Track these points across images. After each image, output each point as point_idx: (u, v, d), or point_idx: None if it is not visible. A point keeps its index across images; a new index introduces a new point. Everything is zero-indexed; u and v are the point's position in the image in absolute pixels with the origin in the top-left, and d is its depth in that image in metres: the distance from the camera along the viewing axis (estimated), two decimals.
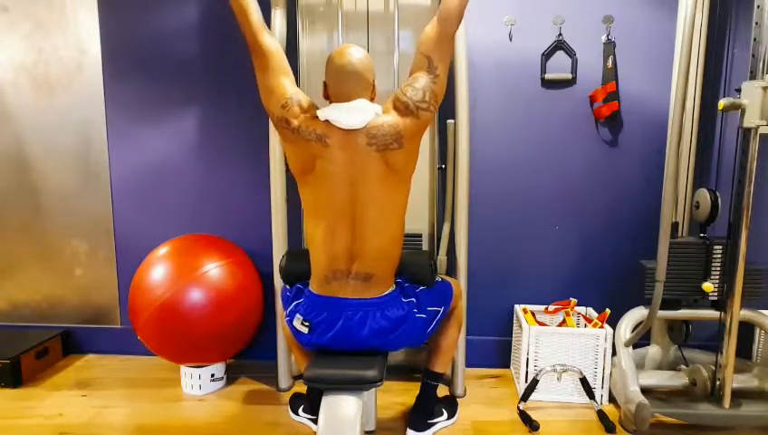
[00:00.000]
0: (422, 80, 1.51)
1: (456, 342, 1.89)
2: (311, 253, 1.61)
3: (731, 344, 1.88)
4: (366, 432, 1.81)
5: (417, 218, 2.28)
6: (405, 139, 1.49)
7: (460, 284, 2.07)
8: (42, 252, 2.57)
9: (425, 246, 2.29)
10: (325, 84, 1.60)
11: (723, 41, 2.21)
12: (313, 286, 1.62)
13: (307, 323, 1.58)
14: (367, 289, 1.57)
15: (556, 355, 2.13)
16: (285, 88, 1.54)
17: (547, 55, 2.27)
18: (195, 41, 2.38)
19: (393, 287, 1.63)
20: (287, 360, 2.22)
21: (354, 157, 1.49)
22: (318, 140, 1.48)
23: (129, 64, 2.41)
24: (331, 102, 1.56)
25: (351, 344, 1.57)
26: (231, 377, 2.34)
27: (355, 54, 1.54)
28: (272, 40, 1.56)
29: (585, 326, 2.20)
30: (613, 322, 2.11)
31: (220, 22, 2.35)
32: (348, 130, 1.48)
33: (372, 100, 1.58)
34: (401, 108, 1.50)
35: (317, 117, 1.50)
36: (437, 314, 1.74)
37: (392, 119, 1.49)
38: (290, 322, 1.66)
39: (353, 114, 1.48)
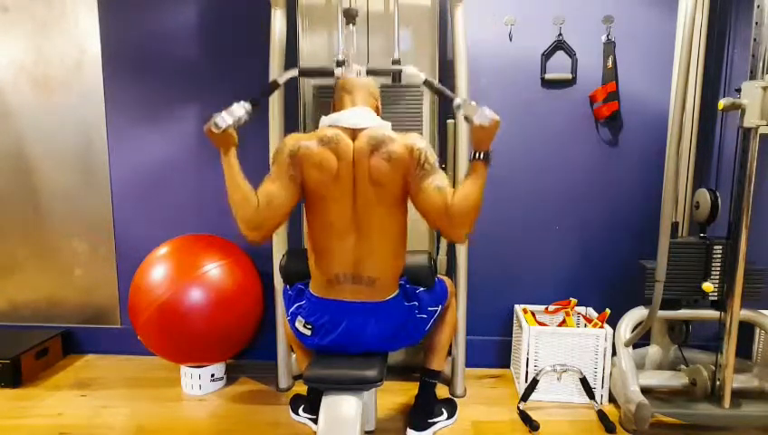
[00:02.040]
0: (441, 179, 1.48)
1: (450, 339, 1.90)
2: (313, 256, 1.60)
3: (731, 344, 1.88)
4: (366, 432, 1.81)
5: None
6: (392, 154, 1.48)
7: (455, 283, 2.07)
8: (42, 252, 2.57)
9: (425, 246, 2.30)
10: (333, 105, 1.65)
11: (723, 41, 2.21)
12: (315, 289, 1.61)
13: (309, 326, 1.58)
14: (371, 294, 1.56)
15: (556, 355, 2.13)
16: (282, 157, 1.52)
17: (547, 55, 2.27)
18: (195, 41, 2.38)
19: (397, 292, 1.62)
20: (287, 360, 2.22)
21: (356, 150, 1.50)
22: (335, 139, 1.50)
23: (129, 64, 2.41)
24: None
25: (353, 347, 1.58)
26: (231, 377, 2.34)
27: (362, 77, 1.66)
28: (263, 198, 1.49)
29: (585, 326, 2.20)
30: (613, 322, 2.11)
31: (220, 22, 2.35)
32: (352, 129, 1.50)
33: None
34: (404, 138, 1.50)
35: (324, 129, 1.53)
36: (436, 314, 1.75)
37: (391, 135, 1.50)
38: (291, 322, 1.66)
39: (356, 116, 1.53)
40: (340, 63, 1.95)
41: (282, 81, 1.61)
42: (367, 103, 1.61)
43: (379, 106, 1.67)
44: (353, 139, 1.51)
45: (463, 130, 2.06)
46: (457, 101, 1.47)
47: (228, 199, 1.47)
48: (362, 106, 1.58)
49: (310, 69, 1.91)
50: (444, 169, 2.22)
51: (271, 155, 1.58)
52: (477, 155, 1.43)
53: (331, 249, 1.55)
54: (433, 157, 1.50)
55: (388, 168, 1.48)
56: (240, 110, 1.48)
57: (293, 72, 1.64)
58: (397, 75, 2.11)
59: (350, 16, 1.87)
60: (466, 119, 1.44)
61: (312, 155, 1.49)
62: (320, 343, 1.58)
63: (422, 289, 1.72)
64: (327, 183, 1.51)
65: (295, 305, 1.66)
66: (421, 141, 1.51)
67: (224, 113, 1.45)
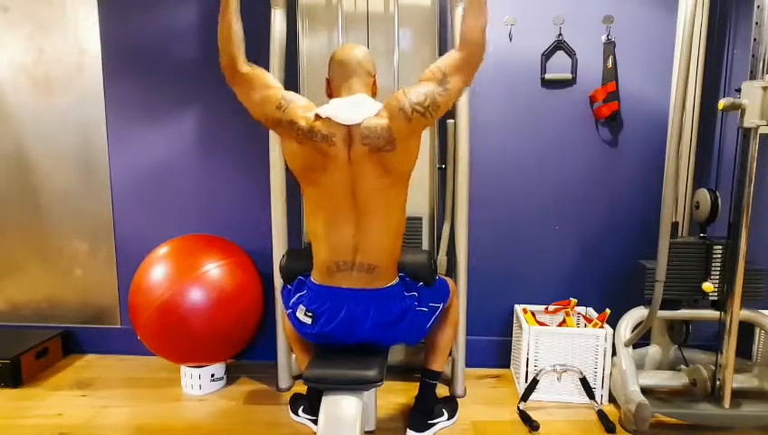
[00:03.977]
0: (428, 86, 1.48)
1: (452, 339, 1.90)
2: (313, 246, 1.61)
3: (731, 344, 1.88)
4: (366, 432, 1.80)
5: (418, 216, 2.28)
6: (397, 141, 1.48)
7: (455, 283, 2.07)
8: (42, 252, 2.57)
9: (425, 245, 2.29)
10: (328, 81, 1.63)
11: (723, 41, 2.21)
12: (316, 277, 1.62)
13: (310, 314, 1.59)
14: (371, 280, 1.57)
15: (556, 355, 2.13)
16: (275, 92, 1.53)
17: (547, 55, 2.27)
18: (195, 41, 2.38)
19: (396, 280, 1.63)
20: (287, 360, 2.22)
21: (353, 153, 1.49)
22: (324, 140, 1.48)
23: (129, 64, 2.41)
24: (332, 98, 1.58)
25: (353, 335, 1.58)
26: (231, 377, 2.34)
27: (356, 49, 1.61)
28: (252, 67, 1.54)
29: (585, 326, 2.20)
30: (613, 322, 2.11)
31: None
32: (347, 125, 1.48)
33: (374, 95, 1.60)
34: (394, 110, 1.47)
35: (318, 115, 1.49)
36: (437, 310, 1.75)
37: (385, 121, 1.47)
38: (292, 314, 1.66)
39: (352, 110, 1.49)
40: None
41: None
42: (363, 86, 1.57)
43: (377, 81, 1.63)
44: (350, 133, 1.48)
45: (463, 130, 2.06)
46: None
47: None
48: (359, 93, 1.55)
49: None
50: (444, 169, 2.24)
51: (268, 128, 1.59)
52: None
53: (331, 237, 1.56)
54: (416, 93, 1.47)
55: (394, 154, 1.48)
56: None
57: None
58: None
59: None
60: None
61: (300, 147, 1.51)
62: (321, 331, 1.58)
63: (422, 284, 1.72)
64: (317, 177, 1.53)
65: (296, 296, 1.67)
66: (400, 100, 1.47)
67: None
